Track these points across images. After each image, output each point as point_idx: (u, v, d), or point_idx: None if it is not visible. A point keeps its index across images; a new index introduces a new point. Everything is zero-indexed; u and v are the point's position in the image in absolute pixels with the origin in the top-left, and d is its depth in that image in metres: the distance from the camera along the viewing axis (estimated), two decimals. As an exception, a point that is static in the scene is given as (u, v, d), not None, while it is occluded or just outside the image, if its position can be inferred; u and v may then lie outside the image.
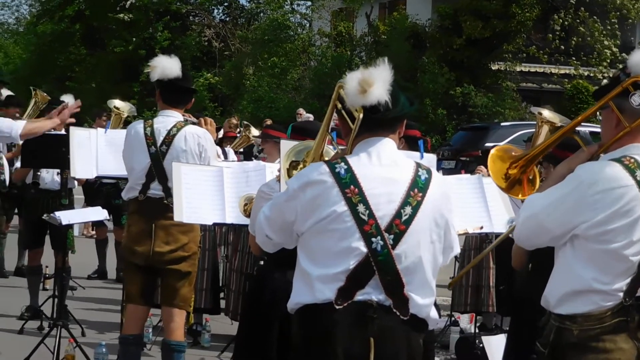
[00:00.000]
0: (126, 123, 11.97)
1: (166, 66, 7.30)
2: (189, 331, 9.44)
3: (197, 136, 7.26)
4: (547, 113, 7.66)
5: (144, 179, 7.20)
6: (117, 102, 11.93)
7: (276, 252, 5.83)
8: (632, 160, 4.04)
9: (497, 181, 4.54)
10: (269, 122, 23.26)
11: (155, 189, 7.18)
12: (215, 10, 45.87)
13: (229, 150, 13.82)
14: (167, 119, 7.29)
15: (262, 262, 6.90)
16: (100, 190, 12.97)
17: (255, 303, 6.24)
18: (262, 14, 43.64)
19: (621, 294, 3.99)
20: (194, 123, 7.51)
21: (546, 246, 4.26)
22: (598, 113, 4.32)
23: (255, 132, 14.22)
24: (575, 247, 4.07)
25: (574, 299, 4.04)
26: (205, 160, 7.26)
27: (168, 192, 7.12)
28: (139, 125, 7.34)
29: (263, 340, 6.06)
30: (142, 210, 7.22)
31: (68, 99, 11.51)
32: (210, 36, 42.91)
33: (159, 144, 7.20)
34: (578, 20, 32.39)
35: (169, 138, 7.20)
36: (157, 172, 7.18)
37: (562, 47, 32.12)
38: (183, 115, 7.44)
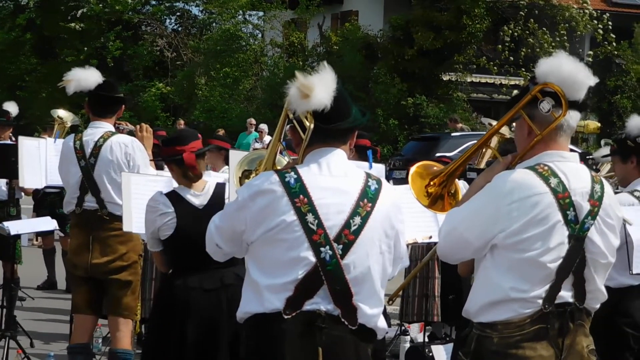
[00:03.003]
0: (74, 131, 11.87)
1: (81, 78, 7.30)
2: (138, 341, 9.39)
3: (124, 145, 7.26)
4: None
5: (78, 192, 7.25)
6: (60, 112, 11.88)
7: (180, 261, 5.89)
8: (546, 167, 4.07)
9: (419, 199, 4.49)
10: (221, 132, 23.27)
11: (90, 202, 7.23)
12: (168, 20, 45.69)
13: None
14: (95, 131, 7.31)
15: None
16: (44, 200, 12.87)
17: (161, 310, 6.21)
18: (214, 24, 43.51)
19: (540, 301, 4.01)
20: (130, 131, 7.49)
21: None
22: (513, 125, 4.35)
23: None
24: (494, 257, 4.08)
25: (493, 309, 4.05)
26: (134, 169, 7.23)
27: (102, 203, 7.18)
28: (70, 141, 7.39)
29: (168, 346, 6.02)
30: (80, 223, 7.29)
31: (11, 107, 11.41)
32: (163, 46, 42.72)
33: (87, 157, 7.21)
34: (527, 32, 32.66)
35: (96, 149, 7.23)
36: (89, 184, 7.22)
37: (512, 58, 32.36)
38: (117, 124, 7.43)
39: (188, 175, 6.10)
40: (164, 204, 5.99)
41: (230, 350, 5.92)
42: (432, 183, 4.49)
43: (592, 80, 4.12)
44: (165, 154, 6.24)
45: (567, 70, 4.06)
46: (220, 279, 5.97)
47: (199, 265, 5.90)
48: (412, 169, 4.56)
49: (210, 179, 6.32)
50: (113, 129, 7.35)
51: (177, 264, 6.07)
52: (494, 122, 7.76)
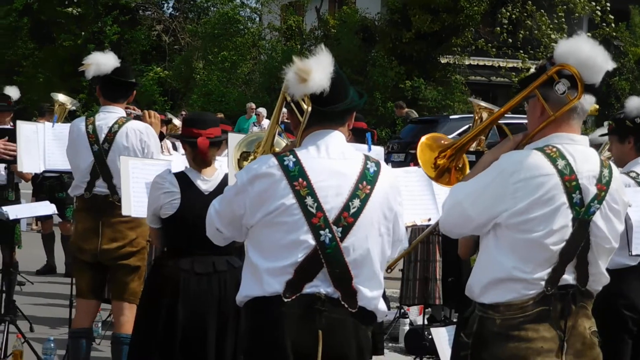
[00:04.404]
0: (72, 115, 11.85)
1: (100, 62, 7.27)
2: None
3: (139, 132, 7.24)
4: (484, 103, 7.67)
5: (88, 177, 7.21)
6: (60, 96, 11.86)
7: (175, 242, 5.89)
8: (554, 149, 4.06)
9: (426, 170, 4.51)
10: (220, 116, 23.28)
11: (101, 187, 7.19)
12: (165, 5, 45.66)
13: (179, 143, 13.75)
14: (108, 115, 7.28)
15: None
16: (43, 184, 12.86)
17: (149, 291, 6.24)
18: (212, 8, 43.45)
19: (543, 283, 4.01)
20: (137, 116, 7.49)
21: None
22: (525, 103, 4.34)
23: (177, 121, 14.21)
24: (497, 236, 4.08)
25: (496, 288, 4.06)
26: (149, 155, 7.23)
27: (113, 189, 7.15)
28: (80, 123, 7.33)
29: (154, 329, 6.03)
30: (89, 207, 7.23)
31: (12, 92, 11.40)
32: (160, 30, 42.69)
33: (101, 142, 7.19)
34: (525, 14, 32.58)
35: (111, 135, 7.19)
36: (101, 170, 7.18)
37: (510, 40, 32.28)
38: (126, 109, 7.42)
39: (197, 159, 6.12)
40: (170, 183, 6.02)
41: (217, 337, 5.94)
42: (441, 155, 4.49)
43: (610, 65, 4.10)
44: (182, 133, 6.26)
45: (586, 53, 4.05)
46: (212, 265, 5.99)
47: (193, 249, 5.95)
48: (422, 140, 4.56)
49: (220, 168, 6.33)
50: (125, 115, 7.35)
51: (171, 245, 6.09)
52: (482, 103, 7.73)
